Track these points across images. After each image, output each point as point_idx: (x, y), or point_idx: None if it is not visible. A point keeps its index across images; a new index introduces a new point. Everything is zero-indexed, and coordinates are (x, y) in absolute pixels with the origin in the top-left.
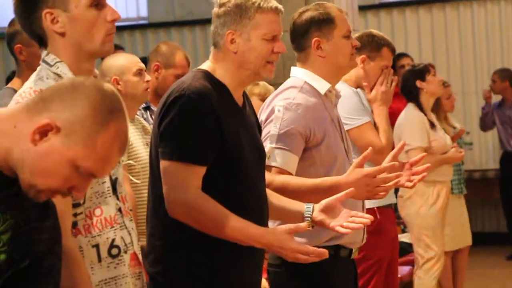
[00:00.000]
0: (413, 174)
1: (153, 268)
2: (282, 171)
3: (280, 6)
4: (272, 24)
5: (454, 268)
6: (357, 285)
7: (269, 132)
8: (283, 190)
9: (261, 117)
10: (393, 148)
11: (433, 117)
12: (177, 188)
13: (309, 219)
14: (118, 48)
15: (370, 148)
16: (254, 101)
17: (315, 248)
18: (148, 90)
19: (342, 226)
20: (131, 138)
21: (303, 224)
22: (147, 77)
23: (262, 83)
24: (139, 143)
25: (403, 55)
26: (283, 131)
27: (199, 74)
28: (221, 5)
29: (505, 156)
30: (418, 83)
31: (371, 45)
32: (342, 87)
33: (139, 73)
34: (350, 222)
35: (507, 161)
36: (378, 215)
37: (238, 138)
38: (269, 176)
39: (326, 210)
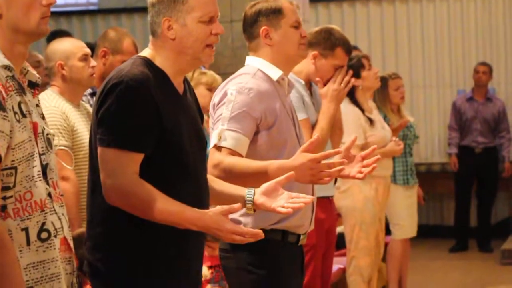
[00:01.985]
0: (363, 166)
1: (93, 255)
2: (233, 153)
3: None
4: (207, 6)
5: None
6: (303, 271)
7: (221, 115)
8: (230, 171)
9: (214, 100)
10: None
11: (373, 111)
12: (114, 174)
13: (251, 202)
14: (65, 34)
15: (317, 134)
16: (201, 90)
17: (250, 229)
18: (94, 75)
19: (283, 207)
20: (76, 124)
21: (236, 205)
22: (93, 62)
23: (209, 72)
24: (83, 128)
25: (353, 47)
26: (234, 113)
27: (138, 61)
28: None
29: (462, 150)
30: (354, 81)
31: (326, 43)
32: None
33: (85, 58)
34: (290, 203)
35: (463, 155)
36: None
37: (177, 125)
38: (219, 157)
39: (267, 193)
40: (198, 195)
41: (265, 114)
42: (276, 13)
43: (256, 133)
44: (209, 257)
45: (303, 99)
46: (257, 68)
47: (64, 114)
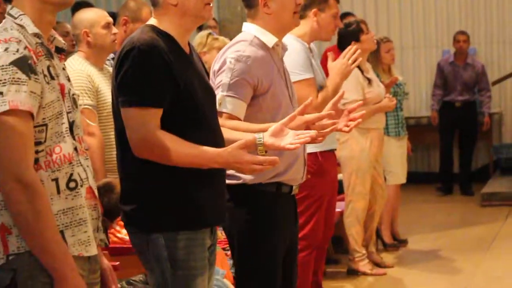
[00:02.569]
0: (350, 120)
1: (127, 206)
2: (232, 117)
3: None
4: None
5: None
6: (297, 218)
7: (221, 81)
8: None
9: (214, 67)
10: None
11: (370, 71)
12: (138, 130)
13: (262, 144)
14: (88, 4)
15: (310, 98)
16: (214, 53)
17: (266, 157)
18: (116, 41)
19: (291, 144)
20: (100, 85)
21: (249, 139)
22: (114, 29)
23: (221, 37)
24: (107, 89)
25: (348, 14)
26: (233, 80)
27: (146, 29)
28: None
29: (444, 105)
30: (353, 44)
31: None
32: (294, 42)
33: (107, 26)
34: (297, 140)
35: (444, 109)
36: (320, 158)
37: (190, 81)
38: (221, 121)
39: (274, 134)
40: (214, 140)
41: (261, 80)
42: None
43: (253, 97)
44: None
45: (310, 60)
46: (254, 35)
47: (89, 77)
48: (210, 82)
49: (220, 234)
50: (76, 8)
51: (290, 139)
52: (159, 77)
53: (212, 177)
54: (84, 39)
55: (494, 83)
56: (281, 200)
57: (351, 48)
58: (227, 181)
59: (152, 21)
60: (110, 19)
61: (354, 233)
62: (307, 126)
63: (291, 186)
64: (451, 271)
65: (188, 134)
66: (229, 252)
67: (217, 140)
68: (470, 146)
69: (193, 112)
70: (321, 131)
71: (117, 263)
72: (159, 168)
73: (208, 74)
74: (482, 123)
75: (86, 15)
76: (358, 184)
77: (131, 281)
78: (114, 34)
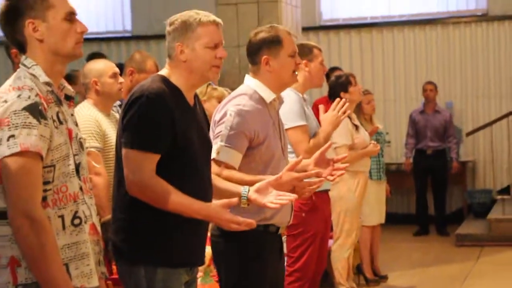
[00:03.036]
0: (334, 170)
1: (116, 237)
2: (228, 166)
3: (218, 20)
4: (212, 35)
5: (370, 242)
6: (282, 255)
7: (220, 132)
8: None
9: (216, 117)
10: None
11: (356, 120)
12: (135, 171)
13: (245, 198)
14: (101, 55)
15: (300, 157)
16: (213, 102)
17: (245, 219)
18: (122, 90)
19: (272, 203)
20: (107, 130)
21: (233, 200)
22: (121, 79)
23: (220, 88)
24: (113, 133)
25: (336, 68)
26: (232, 132)
27: (156, 78)
28: (170, 24)
29: (418, 152)
30: (342, 95)
31: (304, 51)
32: (291, 93)
33: (114, 76)
34: (278, 200)
35: (418, 156)
36: (314, 198)
37: (188, 131)
38: (218, 170)
39: (259, 191)
40: (204, 189)
41: (257, 133)
42: (276, 44)
43: (249, 148)
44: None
45: (304, 109)
46: (254, 89)
47: (97, 121)
48: (211, 130)
49: (213, 268)
50: (90, 57)
51: (272, 198)
52: (161, 125)
53: (197, 225)
54: (93, 87)
55: (468, 134)
56: (268, 238)
57: (340, 101)
58: None
59: (164, 71)
60: (117, 70)
61: (339, 267)
62: (295, 182)
63: (278, 227)
64: None
65: (180, 180)
66: None
67: (205, 188)
68: (442, 190)
69: (187, 159)
70: (309, 188)
71: None
72: (148, 207)
73: (209, 125)
74: (451, 168)
75: (96, 65)
76: (347, 222)
77: None
78: (120, 83)
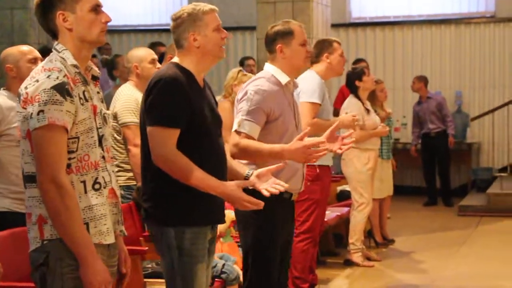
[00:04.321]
0: (343, 144)
1: (146, 203)
2: (248, 137)
3: (215, 7)
4: (215, 20)
5: (380, 212)
6: (293, 219)
7: (242, 108)
8: (246, 150)
9: (238, 95)
10: None
11: (368, 104)
12: (159, 146)
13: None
14: (158, 44)
15: (308, 128)
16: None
17: (255, 200)
18: None
19: (266, 190)
20: None
21: (250, 181)
22: (158, 65)
23: (249, 74)
24: None
25: (360, 60)
26: (252, 108)
27: (171, 65)
28: (176, 19)
29: (424, 136)
30: (357, 83)
31: (325, 45)
32: (316, 76)
33: (153, 61)
34: (272, 188)
35: (424, 139)
36: (318, 170)
37: (202, 109)
38: (237, 139)
39: (259, 176)
40: (220, 158)
41: (274, 109)
42: (289, 34)
43: (266, 122)
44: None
45: (324, 91)
46: (271, 73)
47: (136, 100)
48: (234, 107)
49: (234, 229)
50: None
51: (267, 185)
52: (179, 103)
53: None
54: (134, 71)
55: (473, 119)
56: (282, 203)
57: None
58: None
59: (176, 59)
60: (155, 56)
61: (357, 230)
62: (304, 149)
63: (291, 194)
64: (425, 266)
65: (197, 148)
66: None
67: (220, 155)
68: (446, 167)
69: (202, 132)
70: (315, 154)
71: (146, 248)
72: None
73: (217, 104)
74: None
75: (137, 52)
76: (364, 192)
77: (159, 262)
78: (158, 68)
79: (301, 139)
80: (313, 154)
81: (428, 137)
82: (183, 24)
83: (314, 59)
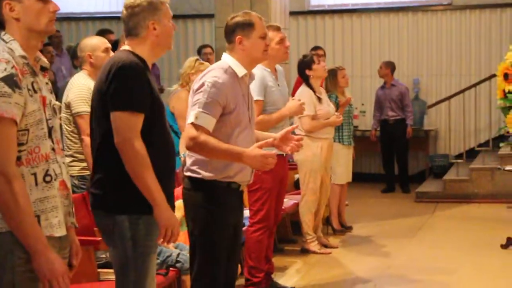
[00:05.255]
0: (296, 145)
1: (96, 190)
2: (204, 130)
3: None
4: (169, 10)
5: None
6: (242, 209)
7: (198, 99)
8: (203, 145)
9: (194, 86)
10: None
11: (322, 93)
12: (125, 130)
13: None
14: (107, 32)
15: (272, 138)
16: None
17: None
18: None
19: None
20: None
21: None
22: (112, 53)
23: (206, 63)
24: None
25: (318, 47)
26: (208, 100)
27: (127, 52)
28: (134, 7)
29: (382, 122)
30: (307, 71)
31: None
32: (257, 71)
33: (106, 50)
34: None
35: (383, 125)
36: None
37: (157, 94)
38: (195, 133)
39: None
40: (168, 140)
41: (229, 102)
42: (249, 26)
43: (221, 115)
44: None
45: (265, 84)
46: (229, 65)
47: (89, 89)
48: (189, 97)
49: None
50: (100, 33)
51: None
52: (144, 88)
53: (169, 172)
54: (88, 60)
55: (429, 106)
56: (231, 193)
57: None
58: (189, 174)
59: (126, 48)
60: (109, 45)
61: (306, 220)
62: (261, 158)
63: (239, 184)
64: (381, 253)
65: (154, 135)
66: None
67: (170, 144)
68: (404, 154)
69: (158, 118)
70: (270, 165)
71: (100, 238)
72: (119, 164)
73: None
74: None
75: (90, 41)
76: (311, 182)
77: None
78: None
79: (261, 147)
80: (269, 164)
81: (386, 124)
82: (142, 12)
83: None
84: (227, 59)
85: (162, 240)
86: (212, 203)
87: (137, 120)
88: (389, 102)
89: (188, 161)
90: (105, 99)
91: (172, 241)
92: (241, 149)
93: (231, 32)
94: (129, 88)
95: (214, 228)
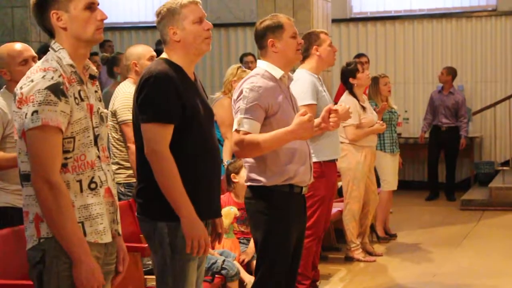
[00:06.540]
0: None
1: (140, 199)
2: (248, 134)
3: None
4: (195, 11)
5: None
6: (306, 214)
7: (239, 107)
8: (251, 144)
9: (234, 96)
10: None
11: (365, 101)
12: (153, 142)
13: None
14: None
15: (308, 114)
16: None
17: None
18: None
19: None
20: None
21: (308, 115)
22: None
23: (248, 70)
24: None
25: (361, 54)
26: (249, 105)
27: (160, 61)
28: (158, 14)
29: (434, 128)
30: (351, 80)
31: (313, 37)
32: (305, 74)
33: (151, 58)
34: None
35: (434, 131)
36: (322, 165)
37: (194, 102)
38: (239, 137)
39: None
40: (215, 147)
41: (271, 104)
42: (279, 28)
43: (266, 118)
44: (237, 203)
45: (316, 89)
46: (265, 69)
47: None
48: (232, 107)
49: (237, 226)
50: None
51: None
52: (171, 99)
53: (210, 180)
54: (133, 68)
55: (474, 113)
56: (293, 198)
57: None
58: (249, 184)
59: (164, 55)
60: (154, 53)
61: (350, 228)
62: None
63: (301, 187)
64: (426, 261)
65: (192, 138)
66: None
67: (214, 144)
68: (452, 162)
69: (196, 123)
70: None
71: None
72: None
73: (207, 96)
74: (461, 143)
75: (136, 50)
76: (354, 189)
77: None
78: None
79: (301, 115)
80: (312, 124)
81: (438, 130)
82: (163, 20)
83: (305, 53)
84: (262, 65)
85: (189, 251)
86: (274, 215)
87: (164, 131)
88: (444, 108)
89: (245, 172)
90: (137, 110)
91: (200, 252)
92: (285, 128)
93: (262, 36)
94: (155, 99)
95: (277, 235)
